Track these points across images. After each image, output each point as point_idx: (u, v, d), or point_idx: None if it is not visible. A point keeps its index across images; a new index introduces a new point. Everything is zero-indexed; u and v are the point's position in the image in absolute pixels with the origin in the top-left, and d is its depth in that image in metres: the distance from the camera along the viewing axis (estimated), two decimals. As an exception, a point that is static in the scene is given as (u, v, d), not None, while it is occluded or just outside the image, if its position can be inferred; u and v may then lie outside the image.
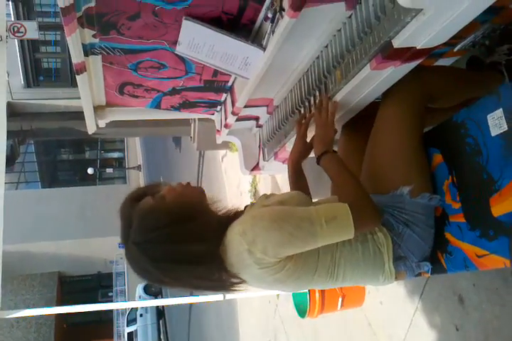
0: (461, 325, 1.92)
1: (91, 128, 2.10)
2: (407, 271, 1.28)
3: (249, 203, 1.39)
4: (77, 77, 1.65)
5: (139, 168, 20.84)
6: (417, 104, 1.32)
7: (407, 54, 1.11)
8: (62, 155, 24.35)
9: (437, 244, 1.28)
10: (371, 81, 1.24)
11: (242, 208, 1.33)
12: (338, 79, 1.33)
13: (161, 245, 1.13)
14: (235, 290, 1.23)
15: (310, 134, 1.46)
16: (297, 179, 1.50)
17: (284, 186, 3.96)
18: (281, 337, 4.19)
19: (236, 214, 1.25)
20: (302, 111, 1.60)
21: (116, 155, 24.15)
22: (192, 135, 5.13)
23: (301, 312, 2.92)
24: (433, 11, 0.94)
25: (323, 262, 1.20)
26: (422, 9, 0.96)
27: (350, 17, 1.25)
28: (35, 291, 19.91)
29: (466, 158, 1.20)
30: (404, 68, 1.17)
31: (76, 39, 1.44)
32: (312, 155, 1.43)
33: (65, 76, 12.38)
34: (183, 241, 1.13)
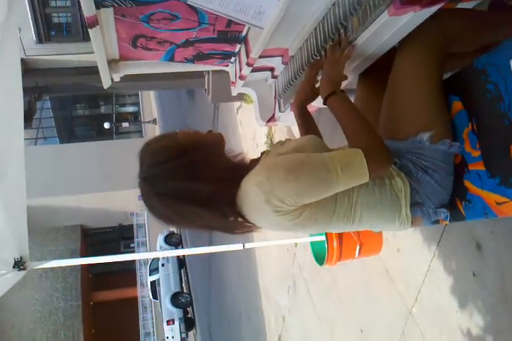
0: (479, 271, 1.96)
1: (106, 83, 2.09)
2: (423, 217, 1.29)
3: (264, 150, 1.38)
4: (89, 30, 1.63)
5: (154, 121, 20.86)
6: (436, 49, 1.28)
7: (427, -2, 1.07)
8: (78, 110, 24.42)
9: (456, 191, 1.29)
10: (390, 27, 1.20)
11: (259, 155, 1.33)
12: (355, 27, 1.30)
13: (166, 179, 1.14)
14: (249, 231, 1.25)
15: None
16: (305, 122, 1.49)
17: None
18: (300, 284, 4.31)
19: (252, 162, 1.25)
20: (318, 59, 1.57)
21: (131, 109, 24.16)
22: (206, 87, 5.08)
23: (320, 260, 2.98)
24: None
25: (340, 204, 1.22)
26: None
27: (368, -40, 1.20)
28: (60, 243, 20.60)
29: (487, 104, 1.17)
30: (425, 13, 1.13)
31: (86, -9, 1.41)
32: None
33: (77, 30, 12.21)
34: (188, 177, 1.14)
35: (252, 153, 5.49)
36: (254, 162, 1.25)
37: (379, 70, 1.46)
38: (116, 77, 2.08)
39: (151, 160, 1.15)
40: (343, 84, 1.39)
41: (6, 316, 18.16)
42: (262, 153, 1.32)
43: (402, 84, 1.30)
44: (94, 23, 1.60)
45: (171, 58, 2.00)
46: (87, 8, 1.51)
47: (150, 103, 22.07)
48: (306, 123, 1.50)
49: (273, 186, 1.11)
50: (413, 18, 1.15)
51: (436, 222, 1.34)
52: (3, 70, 2.35)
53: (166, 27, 1.75)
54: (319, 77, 1.42)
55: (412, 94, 1.28)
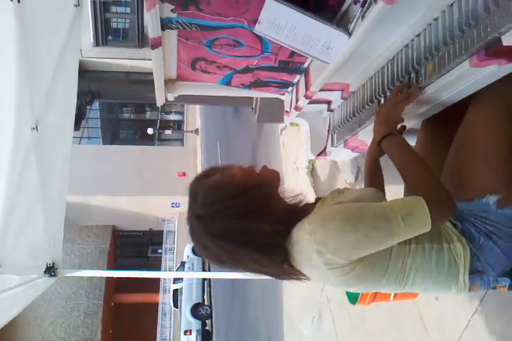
0: (525, 334, 1.83)
1: (160, 101, 2.09)
2: (482, 285, 1.20)
3: (320, 196, 1.32)
4: (151, 51, 1.62)
5: (196, 131, 21.11)
6: (515, 106, 1.20)
7: (516, 53, 0.99)
8: (124, 114, 24.94)
9: (520, 258, 1.19)
10: (468, 78, 1.13)
11: (313, 200, 1.27)
12: (429, 73, 1.23)
13: (223, 220, 1.09)
14: (297, 279, 1.19)
15: None
16: (374, 176, 1.41)
17: (344, 167, 3.86)
18: (327, 316, 4.19)
19: (305, 207, 1.19)
20: (382, 102, 1.51)
21: (175, 117, 24.50)
22: (253, 106, 5.07)
23: (352, 299, 2.87)
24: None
25: (393, 267, 1.14)
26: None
27: (451, 5, 1.13)
28: (90, 241, 20.93)
29: None
30: (510, 67, 1.06)
31: (155, 14, 1.40)
32: None
33: (133, 36, 12.55)
34: (245, 218, 1.09)
35: (292, 175, 5.45)
36: (309, 206, 1.19)
37: (446, 118, 1.38)
38: (171, 97, 2.06)
39: (205, 198, 1.11)
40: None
41: (30, 306, 18.52)
42: (317, 199, 1.25)
43: (472, 140, 1.22)
44: (158, 44, 1.58)
45: (227, 83, 1.97)
46: (154, 29, 1.49)
47: (194, 113, 22.36)
48: (375, 179, 1.41)
49: (327, 236, 1.05)
50: (496, 71, 1.07)
51: (494, 287, 1.24)
52: (62, 74, 2.40)
53: (229, 53, 1.72)
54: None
55: (482, 152, 1.19)
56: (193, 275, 4.24)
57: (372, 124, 1.41)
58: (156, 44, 1.57)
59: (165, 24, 1.53)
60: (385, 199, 1.24)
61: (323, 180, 4.45)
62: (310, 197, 1.32)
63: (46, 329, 19.09)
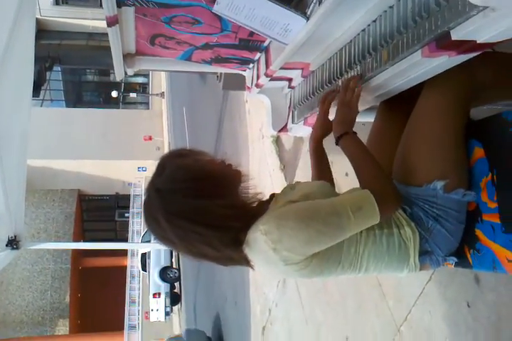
0: (474, 302, 1.94)
1: (119, 76, 2.04)
2: (431, 264, 1.27)
3: (273, 193, 1.35)
4: (108, 29, 1.58)
5: (162, 95, 20.72)
6: (464, 93, 1.24)
7: (464, 46, 1.02)
8: (88, 76, 24.21)
9: (465, 238, 1.25)
10: (420, 67, 1.15)
11: (267, 197, 1.30)
12: (384, 60, 1.25)
13: (181, 197, 1.12)
14: (246, 266, 1.23)
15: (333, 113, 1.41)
16: (319, 159, 1.48)
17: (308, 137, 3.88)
18: (290, 281, 4.32)
19: (260, 204, 1.23)
20: (339, 83, 1.52)
21: (140, 80, 23.93)
22: (218, 74, 5.00)
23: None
24: (506, 10, 0.85)
25: (346, 255, 1.20)
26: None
27: (406, -6, 1.14)
28: (56, 206, 20.70)
29: (511, 159, 1.13)
30: (459, 59, 1.08)
31: (110, -7, 1.36)
32: None
33: (95, -5, 12.03)
34: (202, 198, 1.12)
35: (257, 143, 5.46)
36: (264, 204, 1.24)
37: (402, 101, 1.41)
38: (130, 71, 2.03)
39: (171, 175, 1.13)
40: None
41: (-5, 272, 18.41)
42: (272, 196, 1.28)
43: (422, 128, 1.26)
44: (114, 22, 1.54)
45: (188, 58, 1.94)
46: (109, 7, 1.45)
47: (160, 76, 21.88)
48: (320, 161, 1.48)
49: (282, 235, 1.10)
50: (446, 61, 1.09)
51: (443, 264, 1.31)
52: (18, 40, 2.31)
53: (187, 30, 1.69)
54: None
55: (431, 140, 1.24)
56: (160, 247, 4.23)
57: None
58: (112, 22, 1.53)
59: (121, 1, 1.49)
60: (334, 191, 1.29)
61: (288, 149, 4.49)
62: (270, 184, 1.36)
63: (13, 293, 19.06)
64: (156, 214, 1.14)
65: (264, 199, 1.26)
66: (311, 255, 1.13)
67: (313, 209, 1.13)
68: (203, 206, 1.12)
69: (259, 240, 1.11)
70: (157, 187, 1.14)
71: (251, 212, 1.18)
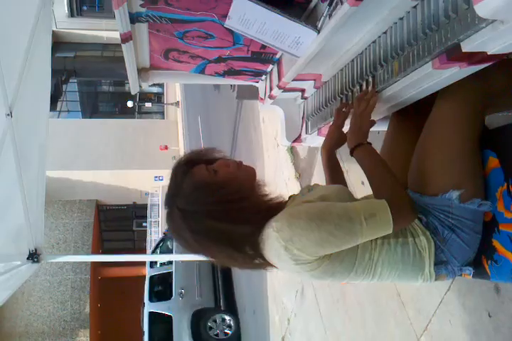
0: (495, 312, 1.91)
1: (134, 89, 2.07)
2: (447, 275, 1.26)
3: (292, 194, 1.37)
4: (122, 45, 1.61)
5: (177, 104, 20.86)
6: (477, 102, 1.23)
7: (475, 57, 1.02)
8: (103, 86, 24.49)
9: (483, 249, 1.24)
10: (431, 78, 1.16)
11: (286, 198, 1.32)
12: (395, 71, 1.25)
13: (205, 220, 1.16)
14: (269, 269, 1.26)
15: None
16: (332, 167, 1.50)
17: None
18: (309, 291, 4.30)
19: (279, 205, 1.25)
20: (351, 94, 1.53)
21: (155, 90, 24.15)
22: (232, 84, 5.03)
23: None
24: (514, 22, 0.85)
25: (360, 261, 1.20)
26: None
27: (415, 7, 1.15)
28: (74, 216, 20.86)
29: (525, 168, 1.13)
30: (470, 70, 1.08)
31: (123, 11, 1.39)
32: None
33: (109, 7, 12.19)
34: (226, 220, 1.16)
35: (272, 151, 5.47)
36: (282, 205, 1.25)
37: (414, 109, 1.42)
38: (145, 86, 2.05)
39: (192, 196, 1.17)
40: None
41: (17, 283, 18.55)
42: (290, 197, 1.30)
43: (436, 137, 1.26)
44: (128, 39, 1.57)
45: (201, 71, 1.96)
46: (123, 24, 1.48)
47: (175, 86, 22.04)
48: (333, 168, 1.50)
49: (293, 234, 1.11)
50: (458, 72, 1.10)
51: (460, 275, 1.30)
52: (35, 54, 2.36)
53: (200, 44, 1.72)
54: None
55: (446, 149, 1.23)
56: (177, 258, 4.23)
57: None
58: (126, 38, 1.56)
59: (134, 18, 1.52)
60: (352, 196, 1.29)
61: (303, 157, 4.49)
62: (286, 192, 1.38)
63: (34, 304, 19.21)
64: (183, 232, 1.20)
65: (285, 200, 1.29)
66: (323, 257, 1.14)
67: (325, 211, 1.14)
68: (226, 227, 1.16)
69: (271, 237, 1.13)
70: (180, 208, 1.18)
71: (272, 211, 1.18)
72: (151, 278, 9.99)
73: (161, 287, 9.53)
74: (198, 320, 8.09)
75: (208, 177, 1.20)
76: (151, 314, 8.78)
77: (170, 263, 9.59)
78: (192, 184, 1.18)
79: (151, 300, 9.16)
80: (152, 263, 10.55)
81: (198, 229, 1.17)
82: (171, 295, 8.67)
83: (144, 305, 9.20)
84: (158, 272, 10.07)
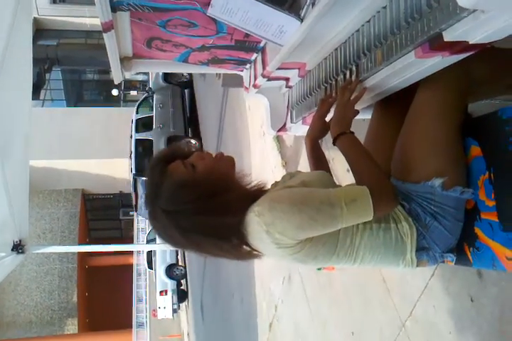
0: (477, 296, 1.95)
1: (117, 79, 2.05)
2: (429, 260, 1.28)
3: (274, 181, 1.38)
4: (104, 34, 1.58)
5: (162, 92, 20.68)
6: (459, 91, 1.24)
7: (457, 47, 1.02)
8: (88, 74, 24.19)
9: (465, 236, 1.26)
10: (414, 67, 1.16)
11: (269, 186, 1.33)
12: (379, 61, 1.25)
13: (191, 217, 1.16)
14: (257, 258, 1.27)
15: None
16: (316, 156, 1.51)
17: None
18: (296, 277, 4.34)
19: (262, 192, 1.25)
20: (335, 83, 1.53)
21: (140, 77, 23.89)
22: (216, 72, 4.99)
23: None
24: (496, 12, 0.85)
25: (342, 244, 1.21)
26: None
27: (398, -4, 1.15)
28: (60, 206, 20.76)
29: (508, 157, 1.14)
30: (453, 59, 1.09)
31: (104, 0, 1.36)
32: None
33: (91, -7, 12.00)
34: (212, 214, 1.16)
35: (258, 140, 5.46)
36: (264, 192, 1.25)
37: (397, 96, 1.42)
38: (128, 75, 2.03)
39: (173, 196, 1.17)
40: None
41: (3, 273, 18.47)
42: (272, 185, 1.31)
43: (419, 124, 1.27)
44: (110, 28, 1.55)
45: (185, 60, 1.95)
46: (103, 13, 1.46)
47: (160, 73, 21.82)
48: (317, 157, 1.51)
49: (275, 218, 1.12)
50: (440, 62, 1.10)
51: (442, 261, 1.32)
52: (16, 42, 2.32)
53: (183, 33, 1.70)
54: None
55: (429, 137, 1.24)
56: (166, 247, 4.25)
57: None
58: (108, 27, 1.54)
59: (116, 6, 1.50)
60: (333, 181, 1.31)
61: (289, 146, 4.50)
62: (272, 180, 1.38)
63: (21, 294, 19.17)
64: (171, 232, 1.20)
65: (267, 188, 1.29)
66: (305, 240, 1.16)
67: (307, 196, 1.15)
68: (213, 220, 1.17)
69: (253, 222, 1.14)
70: (163, 209, 1.17)
71: (254, 198, 1.19)
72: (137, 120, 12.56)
73: (144, 126, 12.21)
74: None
75: (187, 175, 1.20)
76: (137, 140, 11.78)
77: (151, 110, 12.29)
78: (171, 184, 1.17)
79: (137, 131, 12.05)
80: (138, 109, 13.06)
81: (185, 227, 1.17)
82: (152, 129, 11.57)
83: (131, 136, 12.22)
84: (142, 116, 12.67)
